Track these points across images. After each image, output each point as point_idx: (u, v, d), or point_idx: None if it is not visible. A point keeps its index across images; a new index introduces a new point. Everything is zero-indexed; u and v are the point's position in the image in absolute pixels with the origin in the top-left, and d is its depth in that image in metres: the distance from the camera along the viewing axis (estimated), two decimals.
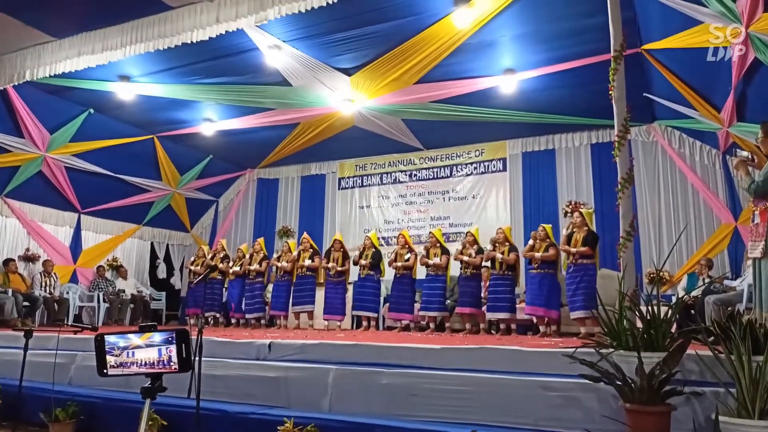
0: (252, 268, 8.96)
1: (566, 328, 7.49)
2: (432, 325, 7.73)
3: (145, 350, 2.24)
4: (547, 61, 7.15)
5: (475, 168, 10.39)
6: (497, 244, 7.23)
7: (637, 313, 3.25)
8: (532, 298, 6.77)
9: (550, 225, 7.18)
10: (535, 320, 6.94)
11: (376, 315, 8.33)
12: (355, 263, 8.30)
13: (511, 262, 7.02)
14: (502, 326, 7.17)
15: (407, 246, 8.10)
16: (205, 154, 11.02)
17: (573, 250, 6.49)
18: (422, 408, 3.54)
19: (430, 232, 8.19)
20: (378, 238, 8.95)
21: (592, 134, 9.44)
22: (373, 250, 8.26)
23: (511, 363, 3.72)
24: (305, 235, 8.95)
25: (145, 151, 10.12)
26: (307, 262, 8.53)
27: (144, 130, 9.79)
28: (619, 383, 2.86)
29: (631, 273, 4.27)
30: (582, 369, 3.05)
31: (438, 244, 7.85)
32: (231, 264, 9.35)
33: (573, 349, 3.21)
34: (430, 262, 7.71)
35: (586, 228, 6.45)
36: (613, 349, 3.05)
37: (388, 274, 8.39)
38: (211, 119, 9.33)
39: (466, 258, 7.44)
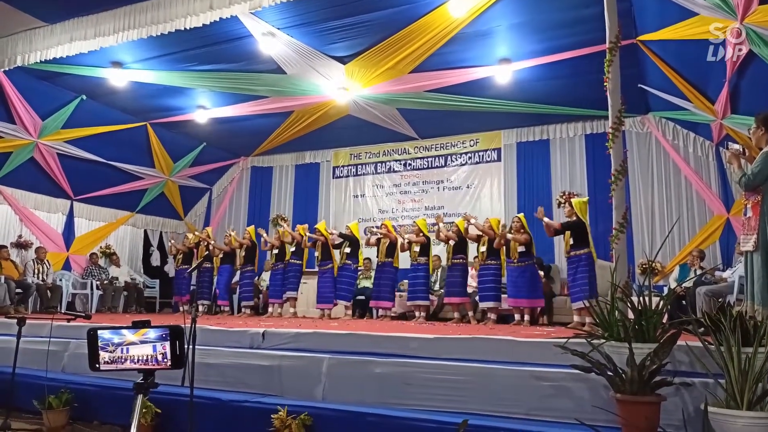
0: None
1: (558, 318, 7.56)
2: (418, 314, 7.81)
3: (139, 347, 2.24)
4: (542, 52, 7.14)
5: (470, 158, 10.39)
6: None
7: (628, 304, 3.28)
8: (516, 291, 6.84)
9: (523, 214, 7.25)
10: (519, 314, 6.97)
11: (348, 303, 8.36)
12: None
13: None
14: (491, 316, 7.23)
15: (385, 236, 8.17)
16: (198, 141, 10.97)
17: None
18: (415, 397, 3.57)
19: (414, 222, 8.27)
20: (373, 228, 9.00)
21: (587, 125, 9.45)
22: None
23: (504, 353, 3.74)
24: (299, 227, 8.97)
25: (138, 138, 10.06)
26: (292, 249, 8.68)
27: (137, 117, 9.72)
28: (610, 374, 2.88)
29: (624, 264, 4.29)
30: (573, 359, 3.06)
31: (420, 234, 7.93)
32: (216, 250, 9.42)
33: (565, 340, 3.23)
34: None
35: (575, 219, 6.45)
36: (604, 340, 3.07)
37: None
38: (205, 106, 9.28)
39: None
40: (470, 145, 10.42)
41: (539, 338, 3.92)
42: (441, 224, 7.89)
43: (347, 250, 8.26)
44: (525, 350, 3.72)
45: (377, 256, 8.25)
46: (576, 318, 6.31)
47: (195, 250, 9.76)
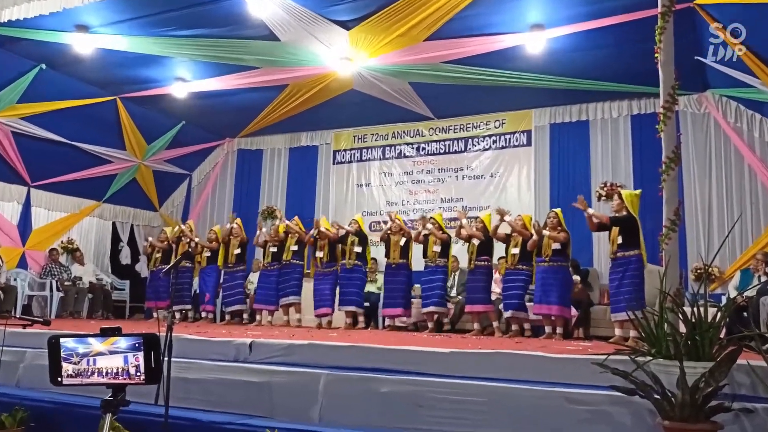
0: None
1: (596, 331, 7.55)
2: (431, 324, 7.82)
3: (107, 358, 2.26)
4: (582, 16, 7.09)
5: (495, 142, 10.36)
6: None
7: (680, 315, 3.26)
8: (545, 295, 6.84)
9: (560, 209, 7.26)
10: (549, 324, 6.97)
11: (362, 310, 8.43)
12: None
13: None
14: (525, 326, 7.25)
15: (401, 230, 8.20)
16: (176, 119, 10.99)
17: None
18: (427, 421, 3.57)
19: (431, 216, 8.31)
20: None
21: (633, 104, 9.39)
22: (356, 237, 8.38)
23: (532, 371, 3.74)
24: (296, 219, 9.01)
25: (106, 115, 10.09)
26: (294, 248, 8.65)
27: (105, 91, 9.75)
28: (657, 397, 2.88)
29: (675, 268, 4.28)
30: (614, 379, 3.06)
31: (439, 230, 7.94)
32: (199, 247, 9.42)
33: (604, 356, 3.22)
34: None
35: (625, 213, 6.43)
36: (651, 357, 3.07)
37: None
38: (184, 79, 9.29)
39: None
40: (495, 127, 10.39)
41: (574, 354, 3.91)
42: (464, 220, 7.85)
43: (357, 249, 8.28)
44: (557, 368, 3.72)
45: (387, 256, 8.26)
46: (618, 331, 6.31)
47: (174, 247, 9.76)
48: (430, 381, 3.75)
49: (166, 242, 9.82)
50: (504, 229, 7.55)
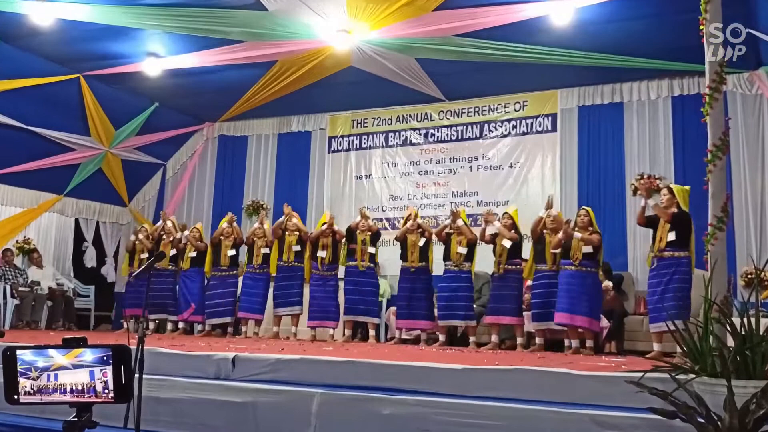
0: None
1: (631, 345, 7.55)
2: (442, 337, 7.85)
3: (71, 372, 2.26)
4: None
5: (514, 127, 10.35)
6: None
7: (728, 326, 3.26)
8: (571, 303, 6.84)
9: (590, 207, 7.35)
10: (576, 338, 6.99)
11: (377, 321, 8.43)
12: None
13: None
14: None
15: (419, 228, 8.17)
16: (148, 101, 10.99)
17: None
18: None
19: (455, 209, 8.26)
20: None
21: (674, 83, 9.36)
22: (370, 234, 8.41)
23: (557, 390, 3.75)
24: (288, 209, 9.01)
25: (68, 95, 10.08)
26: (296, 248, 8.63)
27: (67, 68, 9.74)
28: (701, 420, 2.88)
29: (722, 273, 4.28)
30: (652, 400, 3.06)
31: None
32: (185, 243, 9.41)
33: (640, 374, 3.23)
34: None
35: (676, 210, 6.42)
36: (694, 375, 3.07)
37: (393, 269, 8.48)
38: (158, 54, 9.29)
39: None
40: (515, 110, 10.38)
41: (605, 371, 3.91)
42: (497, 223, 7.73)
43: (371, 249, 8.28)
44: (585, 387, 3.73)
45: (403, 259, 8.21)
46: (656, 346, 6.30)
47: (156, 246, 9.71)
48: (439, 402, 3.76)
49: (149, 239, 9.81)
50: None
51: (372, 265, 8.40)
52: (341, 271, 8.68)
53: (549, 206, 7.58)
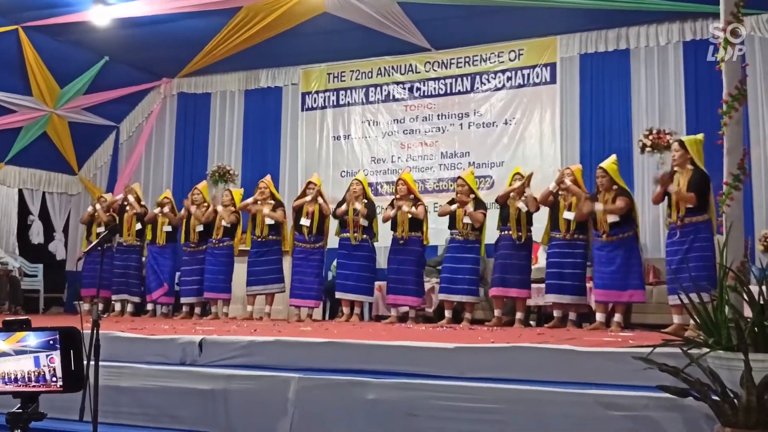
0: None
1: (640, 318, 7.62)
2: (448, 313, 7.87)
3: (13, 359, 2.24)
4: None
5: (509, 79, 10.32)
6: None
7: (744, 295, 3.29)
8: (610, 278, 6.85)
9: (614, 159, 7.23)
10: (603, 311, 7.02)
11: (371, 299, 8.50)
12: (337, 217, 8.41)
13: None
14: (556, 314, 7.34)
15: (412, 195, 8.17)
16: (97, 55, 10.87)
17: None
18: None
19: (459, 177, 8.17)
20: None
21: (686, 27, 9.35)
22: (365, 201, 8.36)
23: (558, 369, 3.78)
24: (266, 179, 8.98)
25: (5, 50, 9.95)
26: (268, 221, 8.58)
27: (4, 19, 9.59)
28: (716, 398, 2.91)
29: (739, 237, 4.29)
30: (662, 378, 3.10)
31: (472, 196, 7.88)
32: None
33: (648, 349, 3.25)
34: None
35: (691, 167, 6.40)
36: (708, 349, 3.10)
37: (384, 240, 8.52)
38: (106, 1, 9.14)
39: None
40: (510, 60, 10.34)
41: (611, 347, 3.95)
42: (528, 190, 7.64)
43: (363, 221, 8.24)
44: (589, 365, 3.77)
45: (393, 229, 8.20)
46: (677, 318, 6.32)
47: (118, 218, 9.71)
48: (428, 384, 3.78)
49: (109, 209, 9.77)
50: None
51: (366, 237, 8.35)
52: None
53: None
